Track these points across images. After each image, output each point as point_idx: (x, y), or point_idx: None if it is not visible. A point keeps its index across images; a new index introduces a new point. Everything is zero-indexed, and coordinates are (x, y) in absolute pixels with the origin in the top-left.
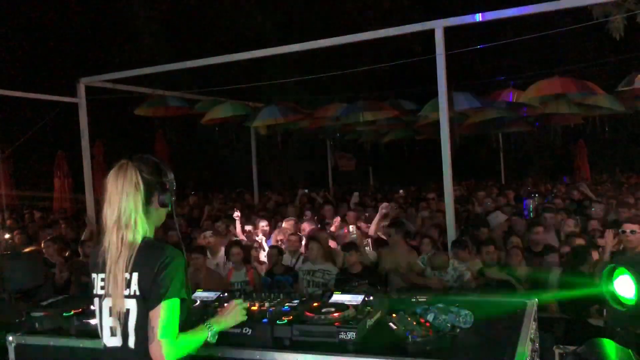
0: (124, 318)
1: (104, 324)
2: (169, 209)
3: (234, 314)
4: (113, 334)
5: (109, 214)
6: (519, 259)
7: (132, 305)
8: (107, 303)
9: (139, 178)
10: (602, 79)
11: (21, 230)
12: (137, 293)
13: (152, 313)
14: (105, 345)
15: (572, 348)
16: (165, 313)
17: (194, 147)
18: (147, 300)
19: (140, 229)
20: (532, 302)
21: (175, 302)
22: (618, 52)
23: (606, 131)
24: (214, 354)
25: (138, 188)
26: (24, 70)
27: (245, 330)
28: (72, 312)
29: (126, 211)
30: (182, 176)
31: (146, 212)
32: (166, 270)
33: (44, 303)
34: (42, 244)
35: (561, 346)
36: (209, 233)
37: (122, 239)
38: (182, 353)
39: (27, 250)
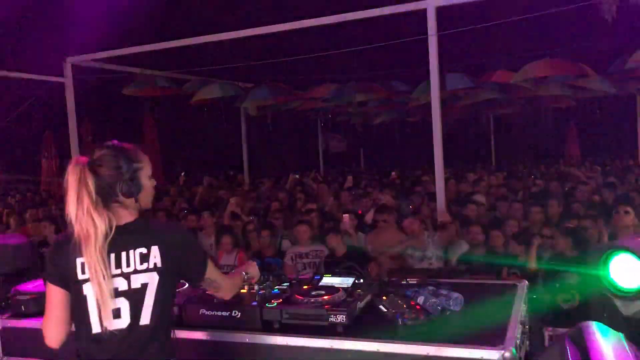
0: (137, 295)
1: (103, 308)
2: (134, 198)
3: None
4: (117, 315)
5: (69, 214)
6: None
7: (151, 279)
8: (109, 285)
9: (89, 174)
10: (594, 60)
11: (9, 211)
12: (159, 265)
13: (208, 274)
14: (104, 329)
15: (561, 330)
16: (212, 267)
17: (183, 128)
18: (191, 270)
19: (104, 218)
20: (522, 285)
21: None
22: (610, 34)
23: (597, 113)
24: (203, 337)
25: (89, 187)
26: (9, 49)
27: (235, 313)
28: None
29: (81, 207)
30: (171, 157)
31: (116, 202)
32: (192, 240)
33: (30, 285)
34: (31, 225)
35: (551, 328)
36: (206, 213)
37: (86, 232)
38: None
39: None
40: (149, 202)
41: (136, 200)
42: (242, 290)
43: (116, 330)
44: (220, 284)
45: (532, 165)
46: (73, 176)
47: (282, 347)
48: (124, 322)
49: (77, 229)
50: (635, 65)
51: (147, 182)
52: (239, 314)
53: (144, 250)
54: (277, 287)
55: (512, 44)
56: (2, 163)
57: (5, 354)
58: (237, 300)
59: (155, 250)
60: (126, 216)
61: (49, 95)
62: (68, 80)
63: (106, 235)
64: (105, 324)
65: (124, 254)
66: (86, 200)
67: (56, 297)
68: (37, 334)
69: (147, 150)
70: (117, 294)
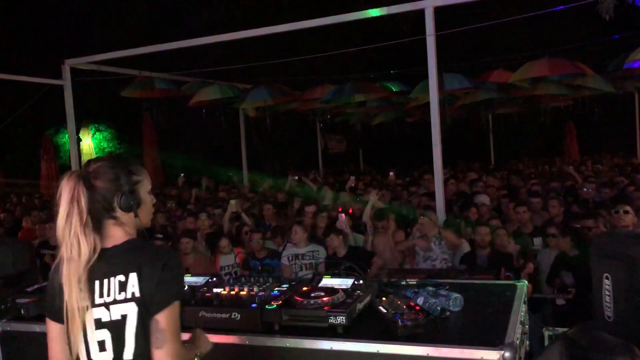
0: (118, 327)
1: (89, 340)
2: (134, 212)
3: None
4: (102, 348)
5: (57, 232)
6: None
7: (130, 309)
8: (91, 315)
9: (81, 189)
10: (592, 59)
11: (7, 214)
12: (138, 295)
13: (160, 316)
14: None
15: (561, 330)
16: (176, 315)
17: (182, 130)
18: (153, 303)
19: (91, 239)
20: (522, 285)
21: (179, 305)
22: (608, 33)
23: (595, 112)
24: None
25: (76, 202)
26: (8, 52)
27: (234, 315)
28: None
29: (68, 227)
30: (170, 158)
31: (111, 218)
32: (173, 270)
33: (30, 289)
34: (37, 226)
35: (550, 328)
36: (204, 215)
37: (75, 253)
38: None
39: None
40: (149, 219)
41: (136, 215)
42: (241, 293)
43: None
44: (165, 342)
45: (530, 164)
46: (65, 191)
47: (282, 349)
48: (108, 355)
49: (62, 250)
50: (634, 64)
51: (146, 196)
52: (239, 315)
53: (122, 277)
54: (276, 288)
55: (510, 44)
56: (1, 165)
57: (5, 357)
58: (237, 302)
59: (133, 278)
60: (118, 236)
61: (48, 98)
62: (67, 83)
63: (88, 261)
64: (92, 357)
65: (105, 281)
66: (75, 220)
67: (51, 332)
68: (37, 338)
69: (146, 151)
70: (100, 325)
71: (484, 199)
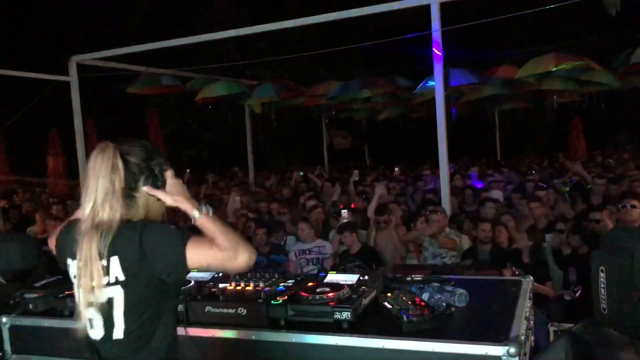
0: (106, 308)
1: (84, 314)
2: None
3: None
4: (92, 326)
5: (85, 198)
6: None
7: (116, 293)
8: (82, 294)
9: (119, 160)
10: (598, 55)
11: (14, 210)
12: (122, 278)
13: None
14: (88, 335)
15: (566, 326)
16: (198, 252)
17: (188, 126)
18: (166, 274)
19: (117, 213)
20: (527, 281)
21: (185, 237)
22: (614, 28)
23: (602, 107)
24: (208, 335)
25: (116, 170)
26: (14, 49)
27: (240, 310)
28: (66, 293)
29: (101, 194)
30: (176, 154)
31: (129, 197)
32: (156, 244)
33: (38, 284)
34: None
35: (555, 324)
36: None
37: (97, 224)
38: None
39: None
40: (160, 213)
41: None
42: (247, 288)
43: (94, 340)
44: (214, 260)
45: (534, 160)
46: (104, 159)
47: (288, 344)
48: (98, 333)
49: (90, 215)
50: None
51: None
52: (245, 311)
53: (104, 262)
54: (282, 284)
55: (516, 39)
56: (9, 161)
57: (13, 351)
58: (243, 298)
59: (114, 262)
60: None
61: (54, 94)
62: (73, 79)
63: (108, 232)
64: (88, 332)
65: (94, 264)
66: (117, 186)
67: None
68: (45, 332)
69: None
70: (87, 304)
71: (497, 194)
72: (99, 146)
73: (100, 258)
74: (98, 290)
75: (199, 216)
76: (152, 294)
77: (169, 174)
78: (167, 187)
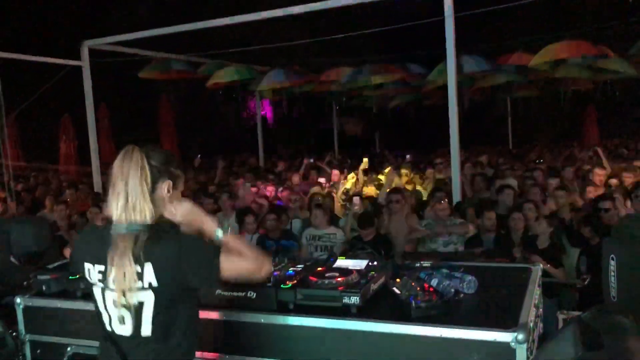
0: (136, 310)
1: (110, 313)
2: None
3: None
4: (122, 322)
5: (114, 201)
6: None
7: (147, 297)
8: (110, 295)
9: (145, 162)
10: (614, 42)
11: (27, 194)
12: (155, 285)
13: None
14: (113, 330)
15: (576, 314)
16: (229, 260)
17: (199, 111)
18: (198, 282)
19: (147, 214)
20: (537, 268)
21: (218, 249)
22: (631, 15)
23: (617, 95)
24: (218, 317)
25: (144, 172)
26: (27, 33)
27: (250, 294)
28: (78, 276)
29: (132, 196)
30: (187, 139)
31: (152, 200)
32: (190, 252)
33: (51, 266)
34: (50, 207)
35: (565, 312)
36: (225, 195)
37: (128, 227)
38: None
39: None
40: (172, 215)
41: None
42: None
43: (121, 335)
44: (244, 271)
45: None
46: (133, 161)
47: (297, 328)
48: (127, 330)
49: (121, 217)
50: None
51: (180, 193)
52: (255, 294)
53: (138, 268)
54: (291, 268)
55: (530, 26)
56: (22, 146)
57: (27, 331)
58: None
59: (149, 268)
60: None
61: (66, 79)
62: (85, 64)
63: (142, 237)
64: (112, 326)
65: (128, 268)
66: (144, 187)
67: None
68: (58, 313)
69: (163, 133)
70: (116, 305)
71: (512, 182)
72: (125, 149)
73: (136, 262)
74: (130, 293)
75: (222, 235)
76: (181, 297)
77: (184, 202)
78: (185, 211)
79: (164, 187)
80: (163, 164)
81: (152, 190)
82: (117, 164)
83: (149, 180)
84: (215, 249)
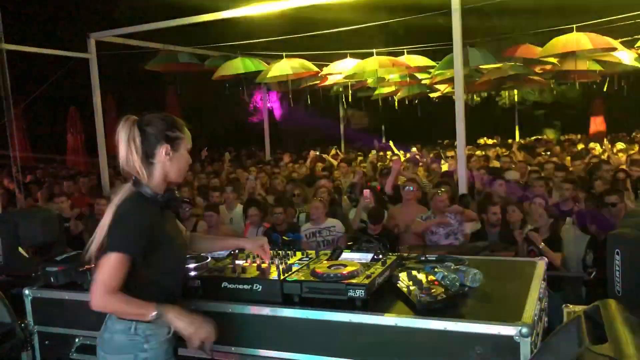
0: None
1: None
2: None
3: (196, 324)
4: None
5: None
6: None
7: None
8: None
9: (134, 133)
10: (622, 35)
11: (36, 186)
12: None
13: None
14: None
15: (581, 308)
16: (104, 264)
17: (205, 103)
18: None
19: (130, 180)
20: (542, 262)
21: (116, 256)
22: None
23: (624, 88)
24: (224, 310)
25: (133, 140)
26: (35, 25)
27: (255, 286)
28: (86, 267)
29: (122, 161)
30: (193, 132)
31: (147, 164)
32: (115, 223)
33: (59, 258)
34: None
35: (570, 305)
36: (229, 188)
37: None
38: (110, 309)
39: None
40: (181, 175)
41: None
42: (263, 265)
43: None
44: (95, 278)
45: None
46: (123, 132)
47: (302, 320)
48: None
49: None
50: None
51: (185, 153)
52: (260, 287)
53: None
54: (297, 261)
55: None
56: (30, 138)
57: (35, 322)
58: (259, 274)
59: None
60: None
61: (74, 71)
62: (92, 56)
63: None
64: None
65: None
66: (134, 155)
67: None
68: (66, 304)
69: None
70: None
71: (513, 175)
72: (121, 120)
73: None
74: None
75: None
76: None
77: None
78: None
79: (162, 151)
80: (160, 130)
81: (151, 156)
82: (117, 135)
83: (138, 147)
84: (121, 246)
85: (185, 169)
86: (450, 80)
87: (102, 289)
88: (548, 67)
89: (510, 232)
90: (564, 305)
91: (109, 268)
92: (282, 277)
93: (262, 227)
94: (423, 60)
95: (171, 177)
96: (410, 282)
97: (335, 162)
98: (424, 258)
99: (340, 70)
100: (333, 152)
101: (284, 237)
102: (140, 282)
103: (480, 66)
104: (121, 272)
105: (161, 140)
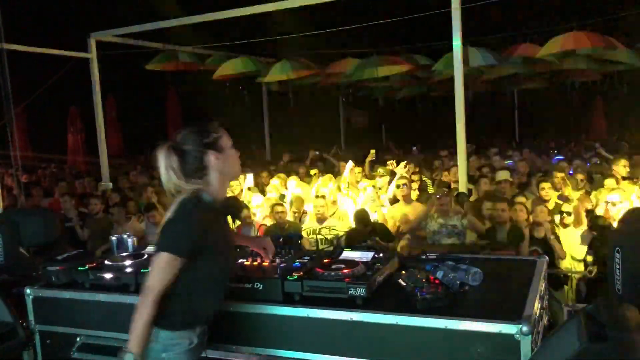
0: None
1: None
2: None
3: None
4: None
5: None
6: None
7: None
8: None
9: (172, 156)
10: (622, 33)
11: (36, 185)
12: None
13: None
14: None
15: (581, 306)
16: (155, 264)
17: (206, 103)
18: None
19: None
20: (542, 260)
21: (166, 256)
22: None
23: (624, 87)
24: (225, 309)
25: (171, 167)
26: (34, 25)
27: (257, 285)
28: (87, 267)
29: (173, 188)
30: None
31: (200, 177)
32: (168, 224)
33: (60, 257)
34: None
35: (570, 304)
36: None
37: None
38: (138, 311)
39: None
40: (237, 169)
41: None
42: (264, 263)
43: None
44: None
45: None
46: (161, 160)
47: (303, 319)
48: None
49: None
50: None
51: (229, 149)
52: (261, 286)
53: None
54: (298, 260)
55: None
56: (30, 138)
57: (36, 321)
58: (260, 273)
59: None
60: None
61: (74, 71)
62: (93, 56)
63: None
64: None
65: None
66: (174, 179)
67: None
68: (67, 304)
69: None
70: None
71: (504, 174)
72: (158, 148)
73: None
74: None
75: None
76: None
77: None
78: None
79: (211, 159)
80: (198, 142)
81: (202, 169)
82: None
83: (177, 169)
84: (171, 247)
85: (237, 161)
86: (450, 80)
87: (150, 295)
88: (548, 66)
89: (521, 230)
90: (564, 303)
91: (158, 269)
92: (282, 276)
93: (254, 226)
94: (423, 60)
95: (230, 175)
96: (411, 281)
97: (336, 162)
98: (424, 257)
99: (340, 70)
100: (333, 151)
101: (284, 235)
102: (188, 283)
103: (481, 66)
104: (169, 273)
105: (204, 150)
